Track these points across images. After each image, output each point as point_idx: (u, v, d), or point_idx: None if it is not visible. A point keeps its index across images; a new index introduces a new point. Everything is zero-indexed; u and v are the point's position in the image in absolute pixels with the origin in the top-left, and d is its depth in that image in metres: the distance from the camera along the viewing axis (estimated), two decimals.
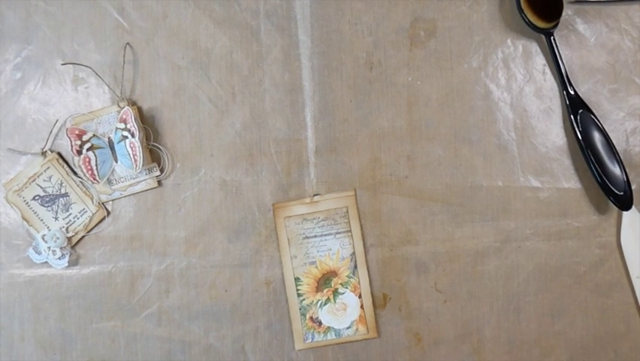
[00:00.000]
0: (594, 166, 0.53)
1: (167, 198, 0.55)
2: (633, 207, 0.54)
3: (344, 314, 0.55)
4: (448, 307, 0.55)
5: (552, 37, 0.54)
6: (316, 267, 0.55)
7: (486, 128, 0.56)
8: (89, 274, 0.55)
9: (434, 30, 0.56)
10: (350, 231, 0.55)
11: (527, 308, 0.55)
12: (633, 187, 0.54)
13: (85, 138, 0.54)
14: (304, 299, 0.55)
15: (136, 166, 0.53)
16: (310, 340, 0.55)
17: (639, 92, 0.56)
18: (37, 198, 0.55)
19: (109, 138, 0.54)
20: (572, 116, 0.54)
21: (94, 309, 0.55)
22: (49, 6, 0.55)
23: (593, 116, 0.54)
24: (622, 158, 0.54)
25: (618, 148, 0.54)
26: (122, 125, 0.53)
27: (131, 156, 0.53)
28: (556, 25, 0.54)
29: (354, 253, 0.55)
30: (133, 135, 0.53)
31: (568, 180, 0.56)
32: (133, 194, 0.55)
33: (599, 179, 0.53)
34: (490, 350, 0.55)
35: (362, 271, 0.55)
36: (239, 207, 0.55)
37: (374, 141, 0.55)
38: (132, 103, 0.55)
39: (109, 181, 0.55)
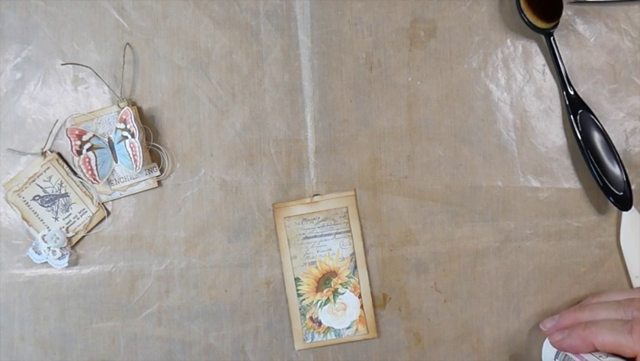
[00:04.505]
0: (594, 166, 0.53)
1: (167, 198, 0.55)
2: (633, 207, 0.54)
3: (344, 314, 0.55)
4: (448, 307, 0.56)
5: (552, 38, 0.54)
6: (316, 267, 0.55)
7: (486, 128, 0.56)
8: (89, 274, 0.55)
9: (434, 30, 0.56)
10: (350, 231, 0.55)
11: (527, 308, 0.55)
12: (633, 187, 0.54)
13: (85, 138, 0.54)
14: (304, 299, 0.55)
15: (136, 166, 0.53)
16: (310, 340, 0.55)
17: (639, 92, 0.56)
18: (37, 198, 0.55)
19: (109, 138, 0.54)
20: (571, 117, 0.54)
21: (94, 309, 0.55)
22: (49, 6, 0.55)
23: (592, 117, 0.54)
24: (622, 158, 0.54)
25: (618, 148, 0.54)
26: (122, 126, 0.53)
27: (131, 156, 0.53)
28: (556, 26, 0.54)
29: (354, 253, 0.55)
30: (133, 135, 0.53)
31: (568, 180, 0.56)
32: (133, 194, 0.55)
33: (598, 179, 0.54)
34: (490, 350, 0.55)
35: (362, 271, 0.55)
36: (239, 207, 0.55)
37: (374, 141, 0.55)
38: (132, 103, 0.55)
39: (109, 181, 0.55)
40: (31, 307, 0.55)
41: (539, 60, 0.56)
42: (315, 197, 0.55)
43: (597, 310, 0.50)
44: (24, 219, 0.55)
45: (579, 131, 0.54)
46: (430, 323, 0.56)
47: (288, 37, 0.55)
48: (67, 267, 0.55)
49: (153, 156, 0.55)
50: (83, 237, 0.55)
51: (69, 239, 0.55)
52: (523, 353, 0.55)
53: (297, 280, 0.55)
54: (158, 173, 0.55)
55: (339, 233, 0.55)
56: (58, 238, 0.54)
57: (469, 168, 0.56)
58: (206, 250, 0.55)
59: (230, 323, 0.55)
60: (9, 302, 0.55)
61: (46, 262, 0.54)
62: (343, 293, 0.55)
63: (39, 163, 0.55)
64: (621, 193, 0.53)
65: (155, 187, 0.55)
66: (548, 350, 0.53)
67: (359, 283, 0.55)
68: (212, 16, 0.55)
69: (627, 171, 0.54)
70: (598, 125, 0.54)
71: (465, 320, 0.55)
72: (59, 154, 0.55)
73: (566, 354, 0.50)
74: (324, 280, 0.55)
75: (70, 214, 0.55)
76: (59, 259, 0.54)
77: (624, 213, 0.55)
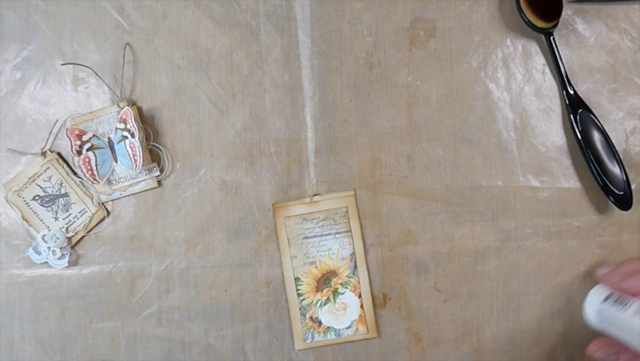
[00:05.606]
0: (594, 166, 0.53)
1: (167, 198, 0.55)
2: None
3: (344, 314, 0.55)
4: (448, 307, 0.55)
5: (552, 37, 0.54)
6: (316, 267, 0.55)
7: (486, 128, 0.56)
8: (89, 274, 0.55)
9: (434, 30, 0.56)
10: (350, 231, 0.55)
11: (527, 308, 0.55)
12: (633, 187, 0.54)
13: (85, 138, 0.54)
14: (304, 299, 0.55)
15: (136, 166, 0.53)
16: (310, 340, 0.55)
17: (639, 92, 0.56)
18: (37, 198, 0.55)
19: (109, 138, 0.54)
20: (571, 116, 0.54)
21: (94, 309, 0.55)
22: (49, 6, 0.55)
23: (592, 116, 0.54)
24: (622, 158, 0.54)
25: (618, 148, 0.54)
26: (122, 126, 0.53)
27: (131, 156, 0.53)
28: (555, 25, 0.54)
29: (354, 253, 0.55)
30: (133, 135, 0.53)
31: (568, 179, 0.56)
32: (133, 194, 0.55)
33: (598, 179, 0.54)
34: (490, 350, 0.55)
35: (362, 271, 0.55)
36: (239, 207, 0.55)
37: (374, 141, 0.55)
38: (132, 103, 0.55)
39: (109, 181, 0.55)
40: (31, 307, 0.55)
41: (539, 60, 0.56)
42: (315, 197, 0.55)
43: None
44: (24, 219, 0.55)
45: (579, 131, 0.54)
46: (430, 322, 0.55)
47: (288, 37, 0.55)
48: (67, 267, 0.55)
49: (153, 156, 0.55)
50: (83, 237, 0.55)
51: (69, 239, 0.55)
52: (524, 353, 0.55)
53: (297, 279, 0.55)
54: (158, 173, 0.55)
55: (339, 233, 0.55)
56: (58, 238, 0.54)
57: (469, 168, 0.56)
58: (206, 250, 0.55)
59: (230, 323, 0.55)
60: (9, 302, 0.55)
61: (46, 262, 0.54)
62: (343, 293, 0.55)
63: (39, 163, 0.55)
64: (621, 193, 0.53)
65: (155, 187, 0.55)
66: (596, 296, 0.51)
67: (359, 282, 0.55)
68: (212, 16, 0.55)
69: (627, 170, 0.54)
70: (598, 125, 0.54)
71: (465, 320, 0.55)
72: (59, 154, 0.55)
73: (620, 295, 0.49)
74: (324, 280, 0.55)
75: (70, 214, 0.55)
76: (59, 259, 0.54)
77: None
